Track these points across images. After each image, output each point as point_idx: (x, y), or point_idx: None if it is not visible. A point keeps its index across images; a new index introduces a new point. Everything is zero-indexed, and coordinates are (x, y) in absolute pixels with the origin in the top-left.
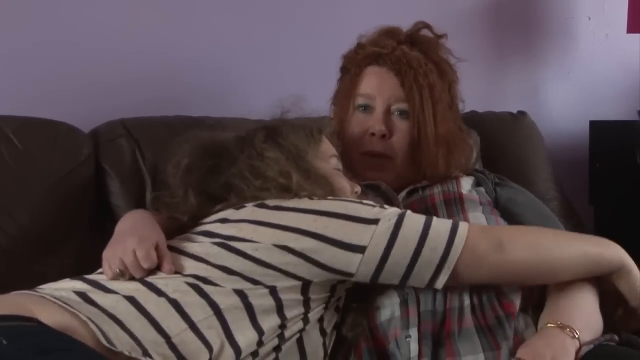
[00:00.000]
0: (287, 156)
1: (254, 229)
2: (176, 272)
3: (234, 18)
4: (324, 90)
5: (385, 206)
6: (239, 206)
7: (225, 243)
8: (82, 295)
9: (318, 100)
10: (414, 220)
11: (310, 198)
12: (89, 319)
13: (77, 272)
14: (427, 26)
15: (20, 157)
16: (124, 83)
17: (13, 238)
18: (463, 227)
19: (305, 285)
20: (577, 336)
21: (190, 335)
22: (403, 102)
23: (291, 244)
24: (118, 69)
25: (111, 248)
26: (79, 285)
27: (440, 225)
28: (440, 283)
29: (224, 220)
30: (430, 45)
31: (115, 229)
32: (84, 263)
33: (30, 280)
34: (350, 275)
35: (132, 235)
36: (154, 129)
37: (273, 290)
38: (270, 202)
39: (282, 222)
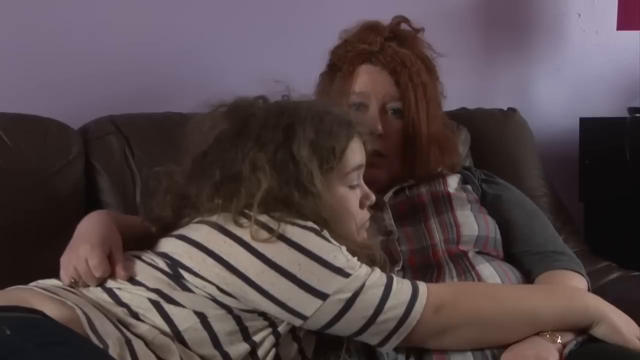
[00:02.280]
0: (278, 180)
1: (203, 260)
2: (140, 284)
3: (225, 14)
4: (310, 85)
5: (348, 269)
6: (199, 221)
7: (178, 271)
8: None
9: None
10: (367, 302)
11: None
12: (76, 305)
13: None
14: (405, 20)
15: (10, 155)
16: (113, 80)
17: (2, 235)
18: (417, 309)
19: (262, 313)
20: (558, 341)
21: (164, 339)
22: (397, 100)
23: (237, 293)
24: (107, 65)
25: (66, 255)
26: (62, 286)
27: (392, 310)
28: (386, 350)
29: (180, 237)
30: (414, 41)
31: (75, 232)
32: None
33: (20, 278)
34: (298, 325)
35: (86, 242)
36: (143, 126)
37: (230, 311)
38: (229, 225)
39: (231, 260)
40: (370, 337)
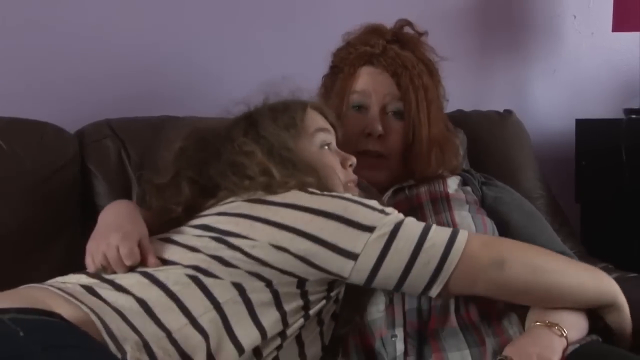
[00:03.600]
0: (267, 149)
1: (251, 225)
2: (176, 263)
3: (222, 17)
4: (311, 87)
5: (387, 210)
6: (236, 199)
7: (223, 238)
8: (88, 288)
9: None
10: (410, 231)
11: (306, 190)
12: (91, 310)
13: (63, 273)
14: (409, 24)
15: (6, 158)
16: (109, 84)
17: None
18: (462, 238)
19: (301, 282)
20: (564, 334)
21: (191, 331)
22: (398, 102)
23: (287, 245)
24: (104, 69)
25: (94, 241)
26: (84, 279)
27: (437, 237)
28: (433, 293)
29: (221, 214)
30: (417, 44)
31: (99, 219)
32: (70, 263)
33: (16, 281)
34: (344, 278)
35: (116, 230)
36: (139, 130)
37: (269, 284)
38: (268, 197)
39: (278, 220)
40: (421, 271)
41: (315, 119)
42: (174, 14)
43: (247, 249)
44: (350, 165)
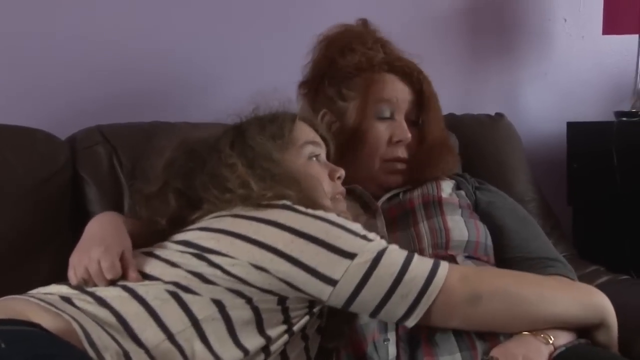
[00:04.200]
0: (248, 161)
1: (231, 242)
2: (156, 279)
3: (214, 23)
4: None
5: (369, 236)
6: (219, 214)
7: (203, 255)
8: (67, 299)
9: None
10: (392, 261)
11: (290, 207)
12: (73, 318)
13: (54, 280)
14: (364, 21)
15: None
16: (100, 90)
17: None
18: (442, 273)
19: (282, 299)
20: (551, 342)
21: (170, 347)
22: (415, 108)
23: (267, 265)
24: (94, 75)
25: (77, 254)
26: (64, 290)
27: (418, 270)
28: (410, 324)
29: (203, 229)
30: (397, 50)
31: (84, 232)
32: (61, 271)
33: (7, 289)
34: (323, 301)
35: (99, 244)
36: (131, 136)
37: (250, 301)
38: (252, 212)
39: (259, 238)
40: (398, 303)
41: (304, 131)
42: (165, 20)
43: (227, 267)
44: (339, 178)
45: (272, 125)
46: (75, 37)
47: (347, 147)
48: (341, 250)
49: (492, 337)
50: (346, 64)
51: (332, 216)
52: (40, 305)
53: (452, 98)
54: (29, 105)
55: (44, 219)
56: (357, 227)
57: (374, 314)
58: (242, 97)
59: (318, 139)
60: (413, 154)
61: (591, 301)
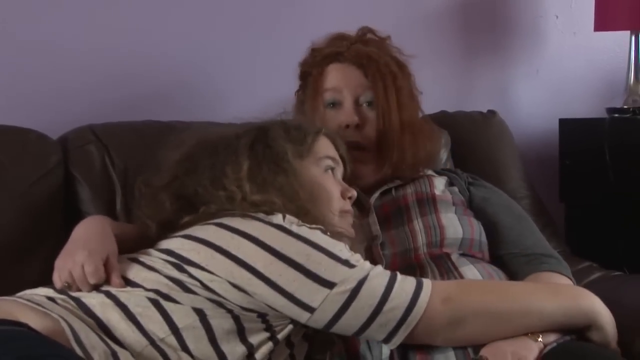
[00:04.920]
0: (257, 163)
1: (212, 255)
2: (139, 286)
3: (205, 23)
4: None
5: (352, 260)
6: (204, 223)
7: (184, 267)
8: (53, 300)
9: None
10: (373, 290)
11: (275, 223)
12: (61, 317)
13: (46, 281)
14: (370, 31)
15: None
16: (92, 89)
17: None
18: (424, 297)
19: (262, 315)
20: (539, 339)
21: (153, 352)
22: (369, 92)
23: (244, 286)
24: (86, 74)
25: (62, 258)
26: (52, 293)
27: (399, 299)
28: (392, 346)
29: (187, 237)
30: (382, 44)
31: (71, 236)
32: (53, 271)
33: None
34: (301, 324)
35: (83, 248)
36: (123, 135)
37: (230, 312)
38: (233, 223)
39: (239, 255)
40: (377, 330)
41: (326, 146)
42: (157, 19)
43: (206, 282)
44: (350, 198)
45: (297, 132)
46: (67, 37)
47: None
48: (320, 279)
49: None
50: (303, 66)
51: (316, 236)
52: (28, 305)
53: (444, 95)
54: (21, 105)
55: (36, 219)
56: (341, 249)
57: (355, 335)
58: (234, 99)
59: (337, 157)
60: (373, 138)
61: (578, 306)
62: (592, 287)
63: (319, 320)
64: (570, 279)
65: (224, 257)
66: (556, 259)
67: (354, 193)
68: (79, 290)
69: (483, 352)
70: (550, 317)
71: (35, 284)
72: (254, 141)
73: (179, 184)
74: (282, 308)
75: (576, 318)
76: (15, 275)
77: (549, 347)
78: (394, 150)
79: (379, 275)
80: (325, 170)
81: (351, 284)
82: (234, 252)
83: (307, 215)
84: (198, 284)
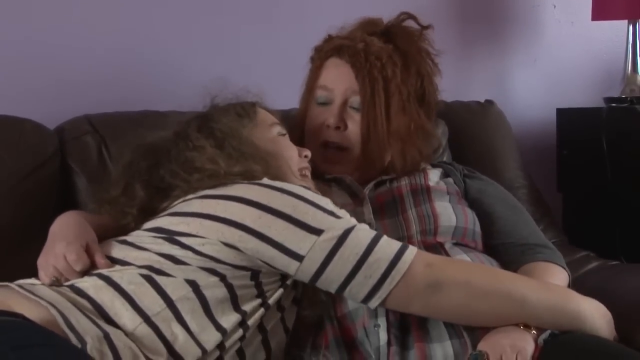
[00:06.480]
0: (217, 142)
1: (200, 223)
2: (129, 264)
3: (200, 14)
4: (288, 84)
5: (338, 212)
6: (186, 198)
7: (175, 239)
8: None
9: (281, 93)
10: (358, 240)
11: (257, 183)
12: (50, 304)
13: None
14: (411, 17)
15: None
16: (89, 79)
17: None
18: (407, 257)
19: (255, 274)
20: (533, 332)
21: (147, 329)
22: (358, 96)
23: (235, 242)
24: (83, 65)
25: (43, 256)
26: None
27: (383, 252)
28: (372, 305)
29: (174, 214)
30: (406, 37)
31: (48, 234)
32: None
33: None
34: (290, 275)
35: (60, 240)
36: (120, 125)
37: (223, 278)
38: (218, 190)
39: (227, 216)
40: (361, 283)
41: (269, 115)
42: (151, 13)
43: (197, 247)
44: (306, 156)
45: (237, 107)
46: (64, 27)
47: (300, 135)
48: (308, 226)
49: (482, 327)
50: (315, 50)
51: (300, 190)
52: (21, 293)
53: (441, 85)
54: (17, 96)
55: (32, 210)
56: (326, 202)
57: (338, 290)
58: (227, 88)
59: (282, 124)
60: (357, 141)
61: (564, 307)
62: (589, 276)
63: (306, 269)
64: (565, 269)
65: (213, 222)
66: (551, 250)
67: (308, 151)
68: (68, 281)
69: (481, 346)
70: (532, 308)
71: (31, 274)
72: (200, 126)
73: (137, 183)
74: (273, 260)
75: (559, 319)
76: (10, 266)
77: (542, 336)
78: (376, 159)
79: (365, 229)
80: (278, 135)
81: (338, 232)
82: (221, 215)
83: (278, 178)
84: (190, 252)
